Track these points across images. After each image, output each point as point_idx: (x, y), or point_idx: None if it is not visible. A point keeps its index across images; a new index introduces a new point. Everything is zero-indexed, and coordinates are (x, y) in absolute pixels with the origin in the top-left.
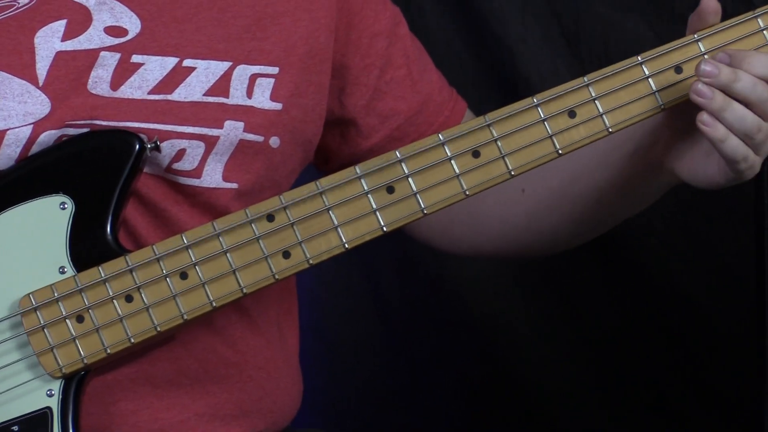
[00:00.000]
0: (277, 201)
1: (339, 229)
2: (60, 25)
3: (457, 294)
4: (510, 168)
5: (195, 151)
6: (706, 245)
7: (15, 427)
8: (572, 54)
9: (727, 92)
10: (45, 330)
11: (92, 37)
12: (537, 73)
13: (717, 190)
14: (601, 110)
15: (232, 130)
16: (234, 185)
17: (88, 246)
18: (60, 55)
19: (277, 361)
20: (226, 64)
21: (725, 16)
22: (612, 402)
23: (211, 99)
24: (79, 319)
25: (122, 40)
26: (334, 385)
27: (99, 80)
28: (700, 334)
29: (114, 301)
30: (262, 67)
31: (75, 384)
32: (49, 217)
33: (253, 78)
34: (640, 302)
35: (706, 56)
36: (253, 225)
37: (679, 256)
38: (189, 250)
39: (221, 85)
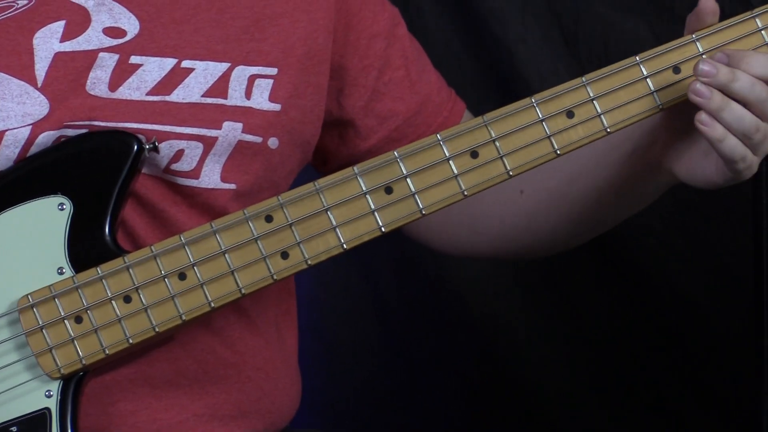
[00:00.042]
0: (275, 201)
1: (337, 230)
2: (59, 26)
3: (456, 294)
4: (508, 168)
5: (193, 151)
6: (705, 245)
7: (14, 428)
8: (571, 54)
9: (726, 92)
10: (43, 330)
11: (91, 38)
12: (536, 73)
13: (715, 190)
14: (599, 110)
15: (231, 131)
16: (232, 186)
17: (86, 247)
18: (59, 56)
19: (276, 362)
20: (225, 65)
21: (723, 17)
22: (611, 402)
23: (209, 100)
24: (78, 319)
25: (121, 41)
26: (333, 386)
27: (97, 81)
28: (698, 335)
29: (112, 301)
30: (260, 68)
31: (73, 384)
32: (48, 217)
33: (252, 79)
34: (638, 302)
35: (704, 56)
36: (251, 225)
37: (677, 257)
38: (187, 251)
39: (220, 86)
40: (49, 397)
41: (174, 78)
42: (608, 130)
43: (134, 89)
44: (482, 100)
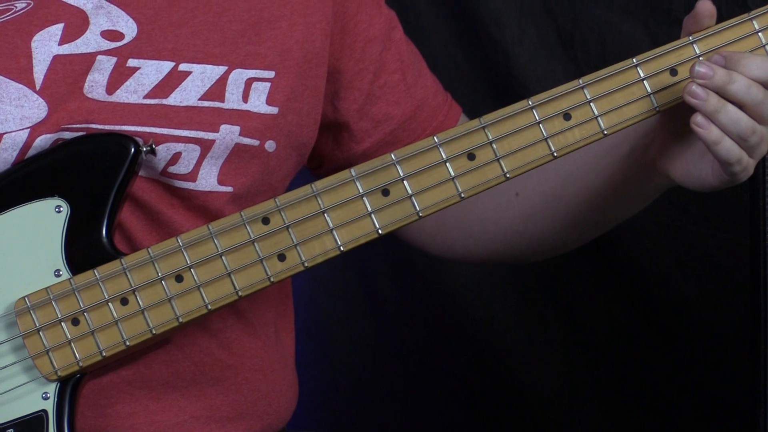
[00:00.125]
0: (273, 203)
1: (334, 232)
2: (57, 29)
3: (452, 297)
4: (505, 170)
5: (190, 154)
6: (701, 247)
7: (10, 430)
8: (568, 56)
9: (722, 94)
10: (40, 333)
11: (89, 41)
12: (533, 75)
13: (711, 192)
14: (596, 112)
15: (228, 134)
16: (229, 189)
17: (83, 249)
18: (57, 59)
19: (273, 363)
20: (222, 69)
21: (720, 19)
22: (607, 404)
23: (206, 103)
24: (75, 321)
25: (119, 44)
26: (330, 388)
27: (95, 84)
28: (695, 337)
29: (109, 303)
30: (257, 71)
31: (70, 387)
32: (45, 220)
33: (249, 82)
34: (635, 305)
35: (701, 58)
36: (248, 227)
37: (673, 259)
38: (184, 253)
39: (217, 90)
40: (46, 399)
41: (171, 81)
42: (605, 132)
43: (131, 92)
44: (479, 102)
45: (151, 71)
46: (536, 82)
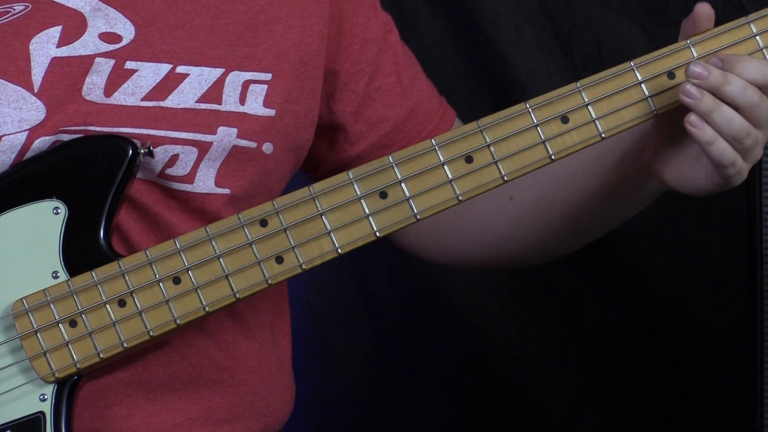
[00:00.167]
0: (270, 206)
1: (332, 234)
2: (55, 32)
3: (449, 299)
4: (503, 173)
5: (188, 156)
6: (697, 248)
7: None
8: (565, 58)
9: (717, 95)
10: (38, 334)
11: (87, 44)
12: (530, 76)
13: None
14: (594, 115)
15: (226, 136)
16: (226, 191)
17: (81, 251)
18: (55, 62)
19: (270, 366)
20: (219, 71)
21: (718, 22)
22: (604, 405)
23: (203, 105)
24: (72, 323)
25: (116, 46)
26: (326, 390)
27: (93, 86)
28: (692, 337)
29: (107, 305)
30: (254, 73)
31: (68, 388)
32: (43, 221)
33: (246, 84)
34: (632, 306)
35: (697, 60)
36: (246, 230)
37: (670, 260)
38: (182, 255)
39: (214, 92)
40: (43, 400)
41: (169, 83)
42: (603, 135)
43: (129, 95)
44: (476, 103)
45: (148, 73)
46: (533, 83)
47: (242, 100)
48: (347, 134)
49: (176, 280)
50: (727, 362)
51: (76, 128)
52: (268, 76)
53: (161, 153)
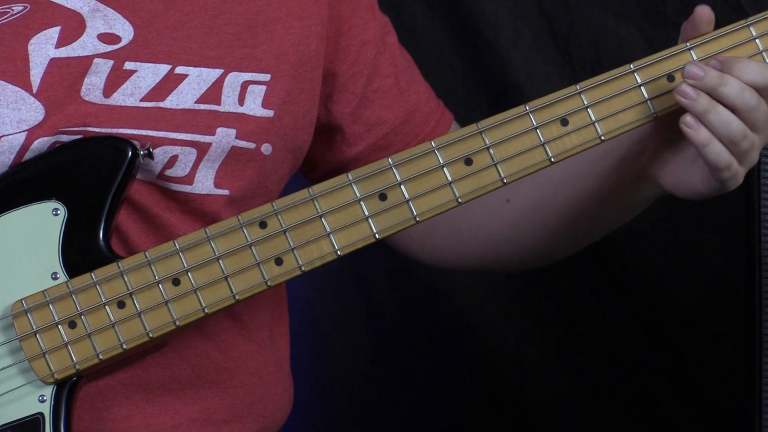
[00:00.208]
0: (270, 207)
1: (331, 236)
2: (54, 32)
3: (448, 301)
4: (502, 176)
5: (187, 157)
6: (696, 250)
7: None
8: (563, 59)
9: (714, 96)
10: (37, 335)
11: (86, 44)
12: (528, 78)
13: None
14: (593, 118)
15: (225, 137)
16: (225, 192)
17: (80, 252)
18: (54, 62)
19: (269, 367)
20: (218, 72)
21: (717, 24)
22: (602, 407)
23: (202, 106)
24: (72, 324)
25: (115, 47)
26: (325, 391)
27: (92, 87)
28: (690, 339)
29: (106, 306)
30: (253, 74)
31: (67, 389)
32: (42, 223)
33: (245, 85)
34: (630, 308)
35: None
36: (245, 231)
37: (668, 261)
38: (181, 256)
39: (213, 93)
40: (42, 402)
41: (168, 84)
42: (602, 138)
43: (128, 95)
44: (474, 105)
45: (147, 74)
46: (531, 84)
47: (241, 100)
48: (345, 135)
49: (175, 282)
50: (725, 363)
51: (75, 129)
52: (266, 77)
53: (160, 154)
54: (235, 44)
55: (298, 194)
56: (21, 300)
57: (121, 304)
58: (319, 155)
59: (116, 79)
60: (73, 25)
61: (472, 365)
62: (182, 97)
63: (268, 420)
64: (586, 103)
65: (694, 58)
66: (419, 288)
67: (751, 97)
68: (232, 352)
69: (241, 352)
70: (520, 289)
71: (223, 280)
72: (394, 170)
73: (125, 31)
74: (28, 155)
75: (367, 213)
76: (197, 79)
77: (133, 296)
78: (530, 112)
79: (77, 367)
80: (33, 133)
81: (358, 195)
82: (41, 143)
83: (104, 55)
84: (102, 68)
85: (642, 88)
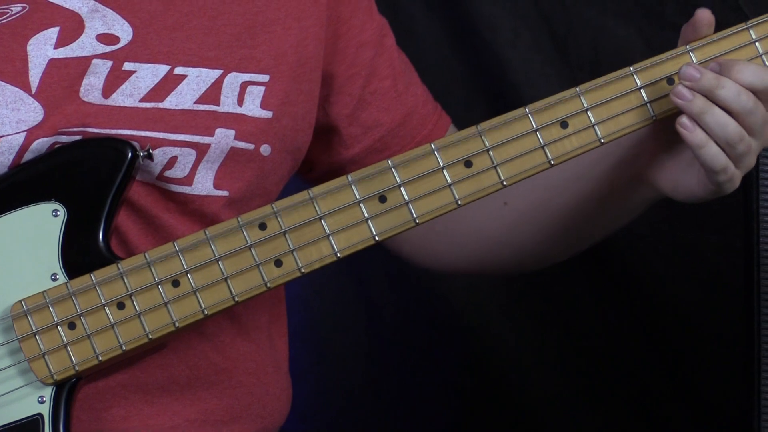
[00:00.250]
0: (269, 209)
1: (331, 238)
2: (53, 33)
3: (447, 302)
4: (502, 178)
5: (186, 158)
6: (694, 251)
7: None
8: (562, 60)
9: (711, 98)
10: (37, 336)
11: (84, 45)
12: (526, 78)
13: None
14: (593, 120)
15: (223, 138)
16: (225, 193)
17: (80, 253)
18: (52, 63)
19: (267, 367)
20: (217, 72)
21: (715, 25)
22: (601, 408)
23: (202, 107)
24: (71, 325)
25: (114, 47)
26: (323, 392)
27: (91, 88)
28: (689, 340)
29: (106, 308)
30: (252, 74)
31: (66, 391)
32: (42, 224)
33: (244, 86)
34: (629, 309)
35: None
36: (245, 233)
37: (667, 262)
38: (181, 258)
39: (212, 93)
40: (41, 402)
41: (167, 84)
42: (602, 140)
43: (127, 96)
44: (472, 105)
45: (147, 75)
46: (529, 85)
47: (240, 101)
48: (342, 137)
49: (175, 283)
50: (724, 364)
51: (74, 130)
52: (265, 78)
53: (160, 155)
54: (234, 45)
55: (298, 196)
56: (21, 301)
57: (120, 306)
58: (316, 156)
59: (115, 79)
60: (71, 26)
61: (472, 366)
62: (181, 98)
63: (266, 421)
64: (585, 105)
65: (694, 60)
66: (418, 289)
67: (748, 100)
68: (231, 353)
69: (240, 353)
70: (519, 289)
71: (222, 282)
72: (394, 172)
73: (124, 31)
74: (27, 156)
75: (366, 215)
76: (196, 79)
77: (132, 297)
78: (530, 114)
79: (77, 368)
80: (32, 133)
81: (357, 197)
82: (40, 144)
83: (103, 56)
84: (101, 69)
85: (642, 90)
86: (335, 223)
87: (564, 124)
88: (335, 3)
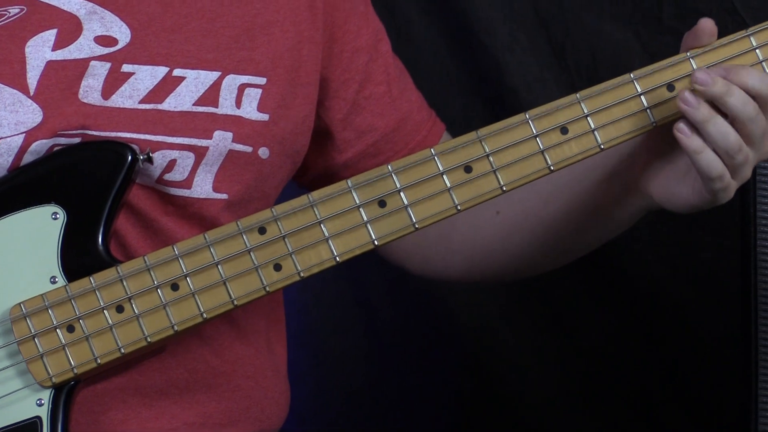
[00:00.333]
0: (269, 213)
1: (330, 243)
2: (51, 35)
3: (444, 305)
4: (502, 183)
5: (185, 161)
6: (691, 253)
7: None
8: (559, 64)
9: (719, 104)
10: (35, 339)
11: (82, 47)
12: (524, 83)
13: None
14: (593, 126)
15: (222, 141)
16: (224, 196)
17: (79, 256)
18: (50, 65)
19: (265, 371)
20: (216, 74)
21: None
22: (599, 410)
23: (200, 109)
24: (70, 328)
25: (112, 49)
26: (322, 396)
27: (90, 89)
28: (686, 343)
29: (105, 311)
30: (250, 77)
31: (65, 393)
32: (41, 226)
33: (242, 88)
34: (625, 310)
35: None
36: (244, 237)
37: (664, 264)
38: (180, 261)
39: (211, 95)
40: (40, 405)
41: (166, 86)
42: (602, 146)
43: (127, 97)
44: (470, 109)
45: (145, 76)
46: (527, 89)
47: (238, 103)
48: (335, 141)
49: (174, 287)
50: (722, 366)
51: (73, 131)
52: (263, 81)
53: (159, 158)
54: (233, 47)
55: (297, 200)
56: (20, 304)
57: (119, 309)
58: (311, 160)
59: (114, 81)
60: (69, 28)
61: (471, 368)
62: (180, 99)
63: (264, 424)
64: (585, 111)
65: (694, 67)
66: (416, 291)
67: (753, 109)
68: (229, 357)
69: (238, 357)
70: (517, 292)
71: (221, 285)
72: (394, 177)
73: (122, 33)
74: (26, 157)
75: (366, 219)
76: (195, 81)
77: (131, 301)
78: (530, 120)
79: (75, 371)
80: (31, 135)
81: (357, 201)
82: (39, 145)
83: (101, 58)
84: (99, 71)
85: (642, 97)
86: (334, 227)
87: (564, 130)
88: (331, 8)
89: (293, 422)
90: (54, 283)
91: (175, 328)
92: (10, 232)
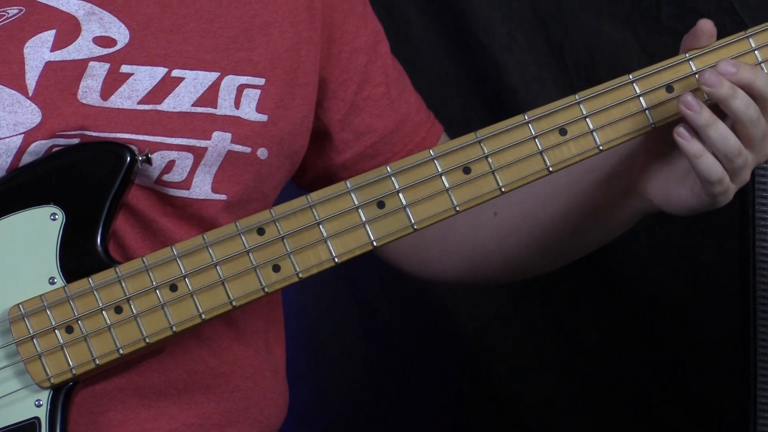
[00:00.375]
0: (268, 214)
1: (329, 243)
2: (49, 36)
3: (443, 305)
4: (500, 184)
5: (184, 162)
6: (690, 254)
7: None
8: (558, 64)
9: (724, 106)
10: (34, 340)
11: (81, 48)
12: (522, 82)
13: None
14: (592, 128)
15: (220, 141)
16: (223, 197)
17: (78, 257)
18: (49, 65)
19: (264, 372)
20: (215, 75)
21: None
22: (598, 411)
23: (199, 109)
24: (68, 329)
25: (111, 50)
26: (322, 397)
27: (89, 90)
28: (685, 344)
29: (103, 311)
30: (249, 77)
31: (63, 394)
32: (40, 227)
33: (241, 88)
34: (624, 311)
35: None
36: (243, 238)
37: (663, 265)
38: (179, 262)
39: (209, 96)
40: (38, 406)
41: (165, 87)
42: (601, 147)
43: (126, 98)
44: (468, 109)
45: (144, 77)
46: (526, 89)
47: (237, 104)
48: (333, 142)
49: (173, 288)
50: (721, 367)
51: (72, 132)
52: (261, 81)
53: (158, 159)
54: (232, 47)
55: (296, 201)
56: (18, 304)
57: (118, 310)
58: (309, 161)
59: (113, 82)
60: (68, 29)
61: (469, 369)
62: (179, 100)
63: (263, 425)
64: (584, 112)
65: (693, 69)
66: (415, 292)
67: (755, 111)
68: (228, 357)
69: (237, 357)
70: (517, 292)
71: (220, 286)
72: (393, 178)
73: (121, 34)
74: (25, 158)
75: (364, 220)
76: (194, 82)
77: (130, 302)
78: (529, 121)
79: (74, 371)
80: (30, 135)
81: (356, 202)
82: (38, 146)
83: (100, 59)
84: (98, 71)
85: (641, 98)
86: (333, 228)
87: (563, 131)
88: (330, 8)
89: (292, 423)
90: (53, 283)
91: (174, 328)
92: (9, 233)
